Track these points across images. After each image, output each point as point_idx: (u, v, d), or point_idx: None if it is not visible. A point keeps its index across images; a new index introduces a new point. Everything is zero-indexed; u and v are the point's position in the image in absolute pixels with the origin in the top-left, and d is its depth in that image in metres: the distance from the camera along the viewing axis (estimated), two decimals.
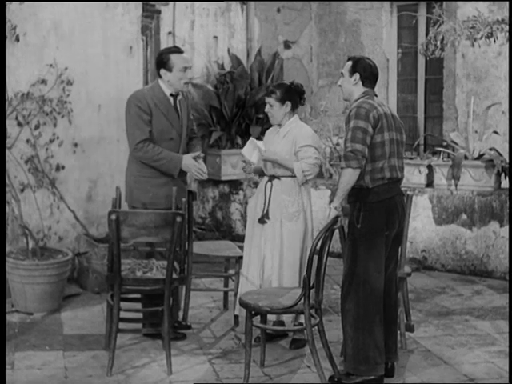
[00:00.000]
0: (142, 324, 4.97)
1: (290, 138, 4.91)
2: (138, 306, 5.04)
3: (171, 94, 4.99)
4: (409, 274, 4.89)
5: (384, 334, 4.33)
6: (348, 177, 4.19)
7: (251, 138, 5.01)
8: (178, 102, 5.03)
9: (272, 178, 4.94)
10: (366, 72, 4.39)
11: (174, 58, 4.91)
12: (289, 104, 4.93)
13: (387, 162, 4.27)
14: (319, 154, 4.94)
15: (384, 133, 4.26)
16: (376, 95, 4.45)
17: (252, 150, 4.92)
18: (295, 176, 4.86)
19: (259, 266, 4.92)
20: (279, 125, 4.99)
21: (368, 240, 4.26)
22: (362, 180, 4.25)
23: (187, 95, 5.23)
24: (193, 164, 4.93)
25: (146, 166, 4.93)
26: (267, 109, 4.98)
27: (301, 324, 4.79)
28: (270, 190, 4.93)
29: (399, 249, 4.58)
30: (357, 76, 4.38)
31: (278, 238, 4.87)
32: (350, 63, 4.42)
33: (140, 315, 5.03)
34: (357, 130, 4.19)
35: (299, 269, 4.85)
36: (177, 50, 4.98)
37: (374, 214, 4.26)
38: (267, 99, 4.96)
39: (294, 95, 4.95)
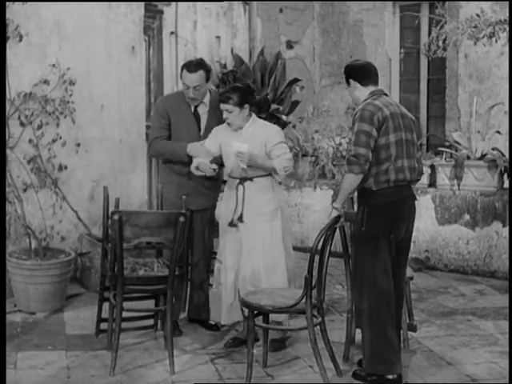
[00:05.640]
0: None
1: (257, 138, 4.78)
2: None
3: None
4: (411, 278, 4.87)
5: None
6: (349, 181, 4.21)
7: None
8: (199, 109, 5.10)
9: (243, 180, 4.83)
10: (358, 73, 4.37)
11: (183, 73, 5.04)
12: (247, 106, 4.79)
13: (393, 164, 4.21)
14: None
15: (389, 135, 4.21)
16: (386, 94, 4.41)
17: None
18: (267, 175, 4.80)
19: (235, 271, 4.84)
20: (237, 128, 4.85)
21: (372, 243, 4.24)
22: (367, 182, 4.24)
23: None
24: (199, 148, 4.92)
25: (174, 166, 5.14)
26: (225, 115, 4.80)
27: (279, 323, 4.79)
28: (243, 193, 4.82)
29: (406, 257, 4.50)
30: (351, 82, 4.39)
31: (260, 239, 4.77)
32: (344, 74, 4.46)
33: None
34: (361, 133, 4.16)
35: (286, 267, 4.80)
36: (186, 68, 5.01)
37: (377, 217, 4.23)
38: (224, 106, 4.77)
39: (249, 96, 4.82)
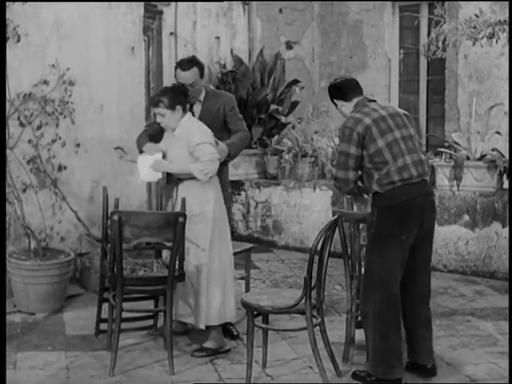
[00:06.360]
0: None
1: (183, 139, 4.76)
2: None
3: None
4: None
5: (420, 336, 4.41)
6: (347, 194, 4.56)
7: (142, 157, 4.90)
8: (194, 107, 5.06)
9: (178, 181, 4.84)
10: (339, 92, 4.46)
11: (176, 72, 5.07)
12: (179, 107, 4.75)
13: (393, 165, 4.21)
14: (215, 148, 4.77)
15: (377, 141, 4.22)
16: (372, 100, 4.45)
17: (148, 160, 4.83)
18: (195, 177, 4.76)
19: None
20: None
21: (381, 244, 4.26)
22: (372, 188, 4.28)
23: (223, 103, 5.19)
24: (150, 147, 4.94)
25: None
26: (159, 119, 4.78)
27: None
28: (176, 194, 4.84)
29: (426, 257, 4.49)
30: (336, 101, 4.48)
31: (189, 239, 4.73)
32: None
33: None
34: (340, 154, 4.31)
35: (206, 271, 4.76)
36: (179, 66, 5.06)
37: (385, 219, 4.24)
38: (156, 110, 4.75)
39: (180, 97, 4.78)
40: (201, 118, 5.06)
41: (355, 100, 4.41)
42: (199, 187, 4.77)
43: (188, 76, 5.00)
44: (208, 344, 4.81)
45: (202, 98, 5.16)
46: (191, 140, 4.71)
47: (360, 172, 4.35)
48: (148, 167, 4.80)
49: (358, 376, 4.38)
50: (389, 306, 4.25)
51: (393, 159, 4.22)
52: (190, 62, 5.05)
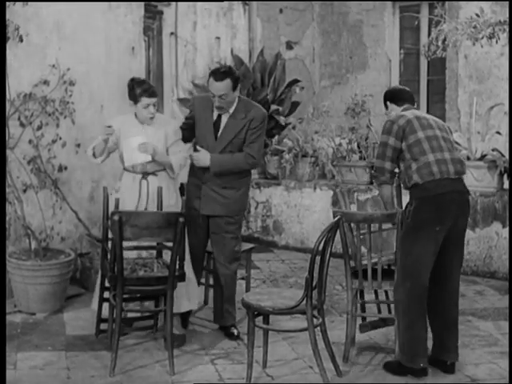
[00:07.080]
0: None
1: (160, 133, 4.92)
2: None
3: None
4: None
5: (445, 333, 4.50)
6: (381, 192, 4.60)
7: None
8: (223, 117, 4.97)
9: (145, 174, 4.94)
10: (393, 96, 4.76)
11: (209, 81, 4.88)
12: None
13: (433, 155, 4.36)
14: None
15: (417, 132, 4.41)
16: (416, 109, 4.70)
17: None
18: (165, 169, 4.93)
19: None
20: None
21: (414, 234, 4.35)
22: (413, 179, 4.38)
23: (252, 117, 4.97)
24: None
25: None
26: (152, 110, 4.85)
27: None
28: (147, 187, 4.93)
29: (456, 254, 4.57)
30: (388, 104, 4.75)
31: None
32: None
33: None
34: (380, 145, 4.53)
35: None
36: (213, 75, 4.84)
37: (421, 209, 4.35)
38: (152, 100, 4.84)
39: None
40: (223, 131, 4.97)
41: (405, 106, 4.66)
42: (169, 179, 4.98)
43: (220, 87, 4.78)
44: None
45: (232, 109, 4.96)
46: (171, 135, 4.96)
47: (399, 168, 4.52)
48: (133, 149, 4.85)
49: (388, 366, 4.50)
50: (417, 296, 4.34)
51: (431, 151, 4.37)
52: (224, 73, 4.80)
